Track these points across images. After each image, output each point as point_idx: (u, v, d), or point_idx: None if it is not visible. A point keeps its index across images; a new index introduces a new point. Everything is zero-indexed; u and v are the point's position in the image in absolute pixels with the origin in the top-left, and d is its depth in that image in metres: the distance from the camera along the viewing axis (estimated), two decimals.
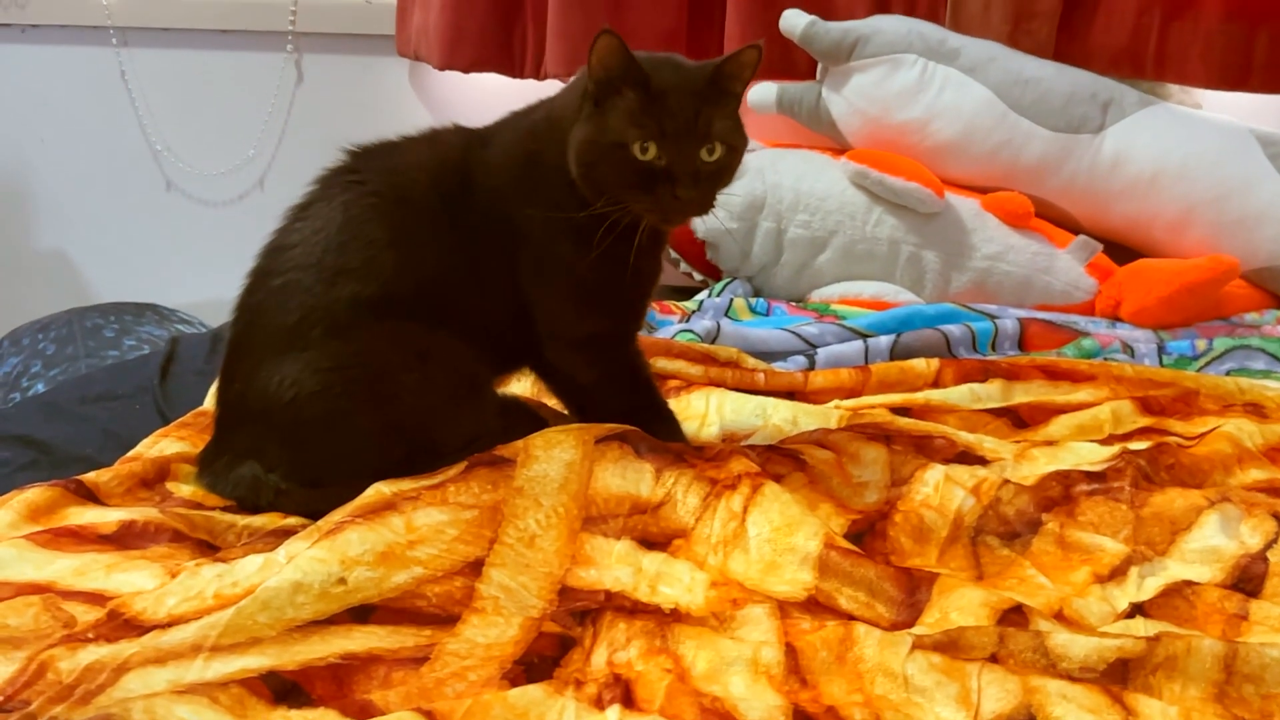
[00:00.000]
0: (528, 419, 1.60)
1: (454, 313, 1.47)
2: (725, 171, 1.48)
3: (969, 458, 1.55)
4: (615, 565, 1.30)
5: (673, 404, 1.75)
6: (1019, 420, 1.77)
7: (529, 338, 1.54)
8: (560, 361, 1.57)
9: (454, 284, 1.48)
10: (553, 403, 1.71)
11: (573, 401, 1.63)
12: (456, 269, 1.48)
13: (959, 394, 1.84)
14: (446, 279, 1.48)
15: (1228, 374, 2.06)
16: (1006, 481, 1.44)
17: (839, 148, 2.77)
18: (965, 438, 1.62)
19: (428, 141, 1.58)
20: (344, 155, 1.55)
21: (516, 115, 1.58)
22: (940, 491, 1.43)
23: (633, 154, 1.41)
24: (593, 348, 1.56)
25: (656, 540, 1.34)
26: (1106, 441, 1.66)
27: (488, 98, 3.04)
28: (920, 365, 1.95)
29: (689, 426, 1.68)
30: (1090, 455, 1.58)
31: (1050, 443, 1.66)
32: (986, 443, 1.62)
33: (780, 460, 1.49)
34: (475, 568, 1.26)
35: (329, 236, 1.46)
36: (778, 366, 2.04)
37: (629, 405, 1.55)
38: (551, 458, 1.39)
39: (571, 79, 1.55)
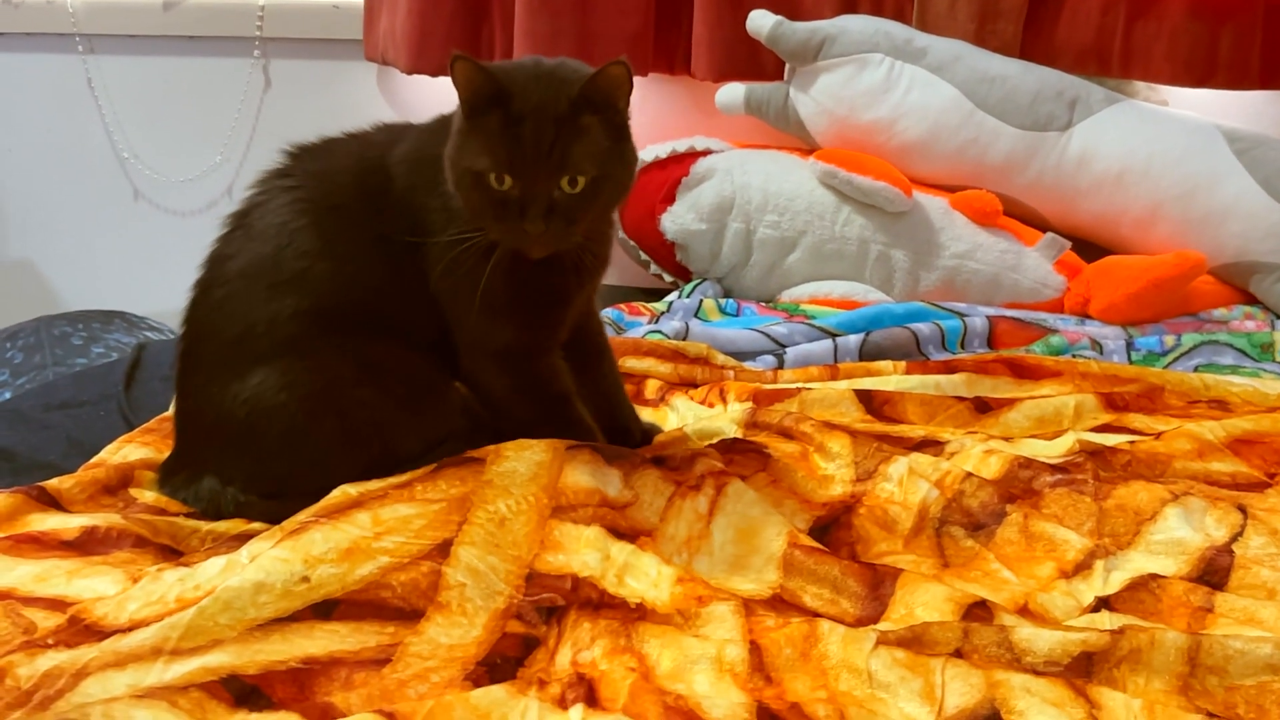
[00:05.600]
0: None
1: (395, 321, 1.46)
2: (592, 202, 1.40)
3: (930, 444, 1.55)
4: (584, 550, 1.29)
5: (650, 415, 1.74)
6: (982, 405, 1.78)
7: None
8: (474, 370, 1.52)
9: (392, 293, 1.46)
10: None
11: (488, 410, 1.55)
12: (385, 276, 1.45)
13: (924, 384, 1.84)
14: (382, 288, 1.45)
15: (1195, 369, 2.08)
16: (970, 474, 1.44)
17: (807, 148, 2.77)
18: (924, 430, 1.63)
19: (360, 139, 1.55)
20: (280, 157, 1.53)
21: (443, 114, 1.52)
22: (904, 486, 1.44)
23: (488, 182, 1.36)
24: (505, 359, 1.51)
25: (624, 534, 1.34)
26: (1064, 434, 1.67)
27: (448, 96, 3.02)
28: (886, 368, 1.95)
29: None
30: (1047, 450, 1.59)
31: (1007, 438, 1.66)
32: (946, 434, 1.63)
33: (744, 460, 1.49)
34: (443, 549, 1.25)
35: (265, 245, 1.45)
36: (747, 366, 2.04)
37: (539, 417, 1.51)
38: (522, 458, 1.39)
39: None
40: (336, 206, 1.47)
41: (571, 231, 1.39)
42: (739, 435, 1.61)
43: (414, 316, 1.47)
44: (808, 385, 1.86)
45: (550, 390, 1.54)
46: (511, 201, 1.36)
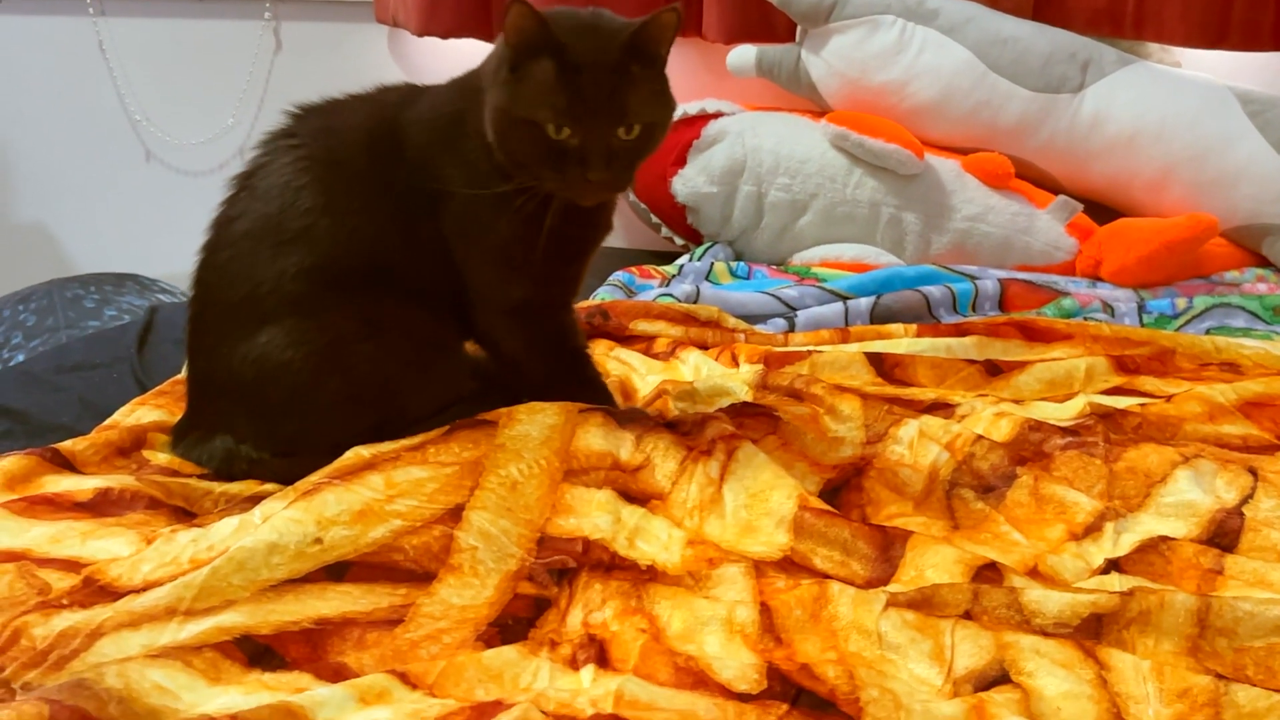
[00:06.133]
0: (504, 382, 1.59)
1: (402, 278, 1.46)
2: (645, 147, 1.42)
3: (940, 407, 1.56)
4: (595, 513, 1.30)
5: (660, 368, 1.75)
6: (993, 367, 1.78)
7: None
8: (488, 327, 1.53)
9: (397, 250, 1.46)
10: None
11: (503, 368, 1.56)
12: (394, 233, 1.45)
13: (934, 347, 1.83)
14: (388, 244, 1.45)
15: (1207, 332, 2.07)
16: (980, 437, 1.44)
17: (819, 110, 2.76)
18: (935, 392, 1.63)
19: (368, 99, 1.54)
20: (285, 117, 1.52)
21: (459, 75, 1.53)
22: (915, 448, 1.44)
23: (546, 133, 1.36)
24: (520, 315, 1.51)
25: (636, 497, 1.34)
26: (1075, 397, 1.67)
27: (466, 64, 3.02)
28: (898, 330, 1.95)
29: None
30: (1058, 413, 1.59)
31: (1018, 401, 1.66)
32: (956, 397, 1.63)
33: (755, 422, 1.49)
34: (455, 514, 1.26)
35: (269, 205, 1.44)
36: (758, 329, 2.04)
37: (553, 374, 1.53)
38: (534, 421, 1.39)
39: (498, 40, 1.47)
40: (341, 163, 1.46)
41: (628, 178, 1.42)
42: (749, 398, 1.61)
43: (422, 274, 1.47)
44: (818, 348, 1.86)
45: (565, 346, 1.56)
46: (571, 151, 1.37)
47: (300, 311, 1.42)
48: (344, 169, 1.46)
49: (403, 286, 1.45)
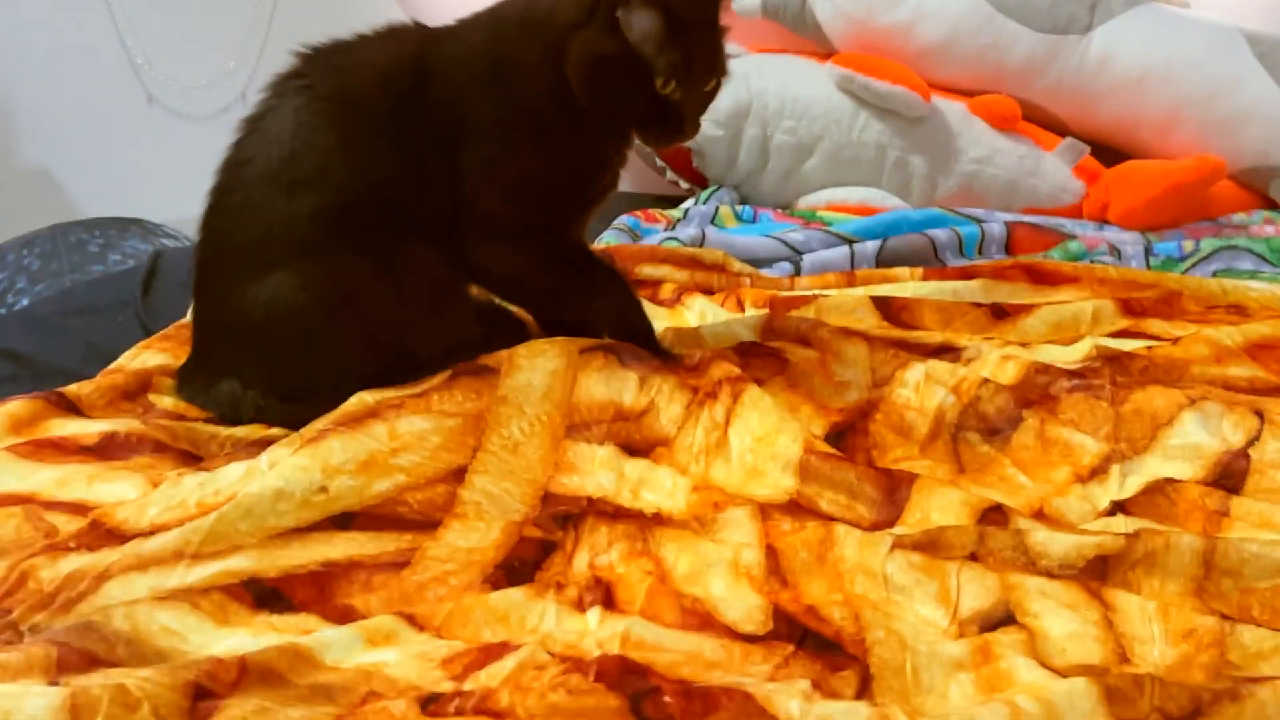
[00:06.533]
0: (509, 326, 1.59)
1: (417, 219, 1.45)
2: (714, 98, 1.47)
3: (947, 350, 1.55)
4: (598, 471, 1.30)
5: (665, 315, 1.75)
6: (999, 311, 1.77)
7: None
8: (487, 256, 1.50)
9: (412, 189, 1.45)
10: None
11: (507, 296, 1.58)
12: (412, 173, 1.44)
13: (940, 290, 1.83)
14: (403, 183, 1.44)
15: (1214, 275, 2.06)
16: (986, 380, 1.44)
17: (824, 52, 2.75)
18: (941, 335, 1.63)
19: (382, 39, 1.53)
20: (294, 58, 1.51)
21: (482, 15, 1.52)
22: (921, 391, 1.44)
23: (654, 85, 1.38)
24: (525, 237, 1.50)
25: (639, 447, 1.34)
26: (1081, 339, 1.67)
27: (469, 5, 3.00)
28: (904, 274, 1.94)
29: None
30: (1064, 356, 1.59)
31: (1024, 344, 1.66)
32: (963, 340, 1.62)
33: (762, 362, 1.49)
34: (458, 474, 1.26)
35: (281, 146, 1.43)
36: (764, 273, 2.03)
37: (561, 281, 1.53)
38: (535, 367, 1.38)
39: None
40: (356, 103, 1.45)
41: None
42: (755, 340, 1.60)
43: (435, 215, 1.46)
44: (824, 292, 1.85)
45: (577, 254, 1.56)
46: (671, 104, 1.40)
47: (312, 254, 1.41)
48: (359, 109, 1.45)
49: (415, 228, 1.44)
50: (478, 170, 1.46)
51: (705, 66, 1.41)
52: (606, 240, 2.18)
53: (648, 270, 1.96)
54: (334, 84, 1.46)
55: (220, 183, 1.48)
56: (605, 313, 1.53)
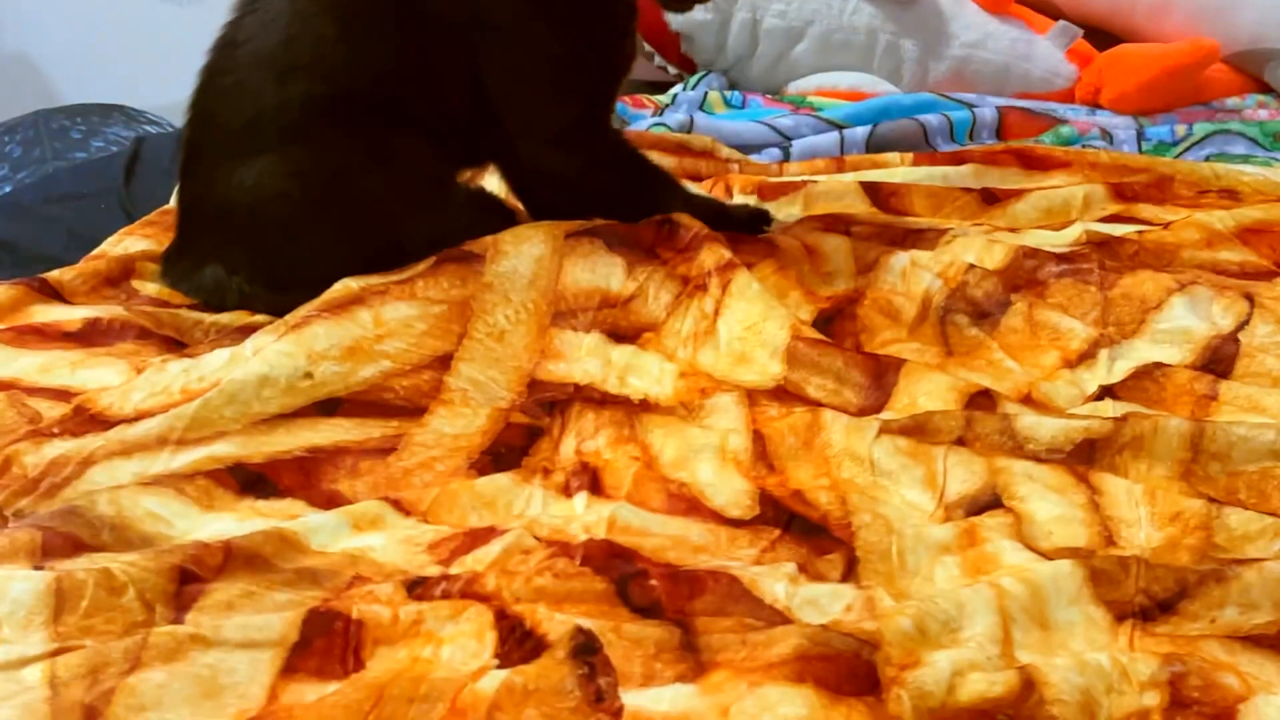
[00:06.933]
0: (497, 214, 1.58)
1: (412, 109, 1.43)
2: None
3: (932, 232, 1.54)
4: (584, 358, 1.29)
5: None
6: (990, 196, 1.76)
7: (494, 134, 1.49)
8: (539, 160, 1.52)
9: (410, 79, 1.43)
10: None
11: (569, 203, 1.52)
12: (412, 63, 1.42)
13: (931, 175, 1.82)
14: (402, 74, 1.42)
15: (1206, 159, 2.05)
16: (973, 265, 1.43)
17: None
18: (928, 220, 1.62)
19: None
20: None
21: None
22: (907, 277, 1.43)
23: None
24: (572, 137, 1.51)
25: (626, 334, 1.33)
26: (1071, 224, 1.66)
27: None
28: (894, 159, 1.93)
29: None
30: (1054, 240, 1.58)
31: (1014, 229, 1.65)
32: (950, 224, 1.61)
33: (751, 247, 1.48)
34: (444, 362, 1.25)
35: (277, 31, 1.41)
36: (753, 159, 2.02)
37: (623, 182, 1.54)
38: (521, 253, 1.37)
39: None
40: None
41: None
42: None
43: (433, 106, 1.44)
44: (813, 178, 1.84)
45: (625, 152, 1.57)
46: None
47: (302, 140, 1.39)
48: (360, 1, 1.43)
49: (408, 119, 1.42)
50: (510, 78, 1.45)
51: None
52: None
53: None
54: None
55: (211, 63, 1.46)
56: (671, 203, 1.52)
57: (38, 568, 0.93)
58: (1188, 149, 2.15)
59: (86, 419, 1.16)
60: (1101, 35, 2.58)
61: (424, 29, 1.42)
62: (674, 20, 2.57)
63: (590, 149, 1.53)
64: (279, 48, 1.41)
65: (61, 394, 1.23)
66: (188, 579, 0.93)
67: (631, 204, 1.48)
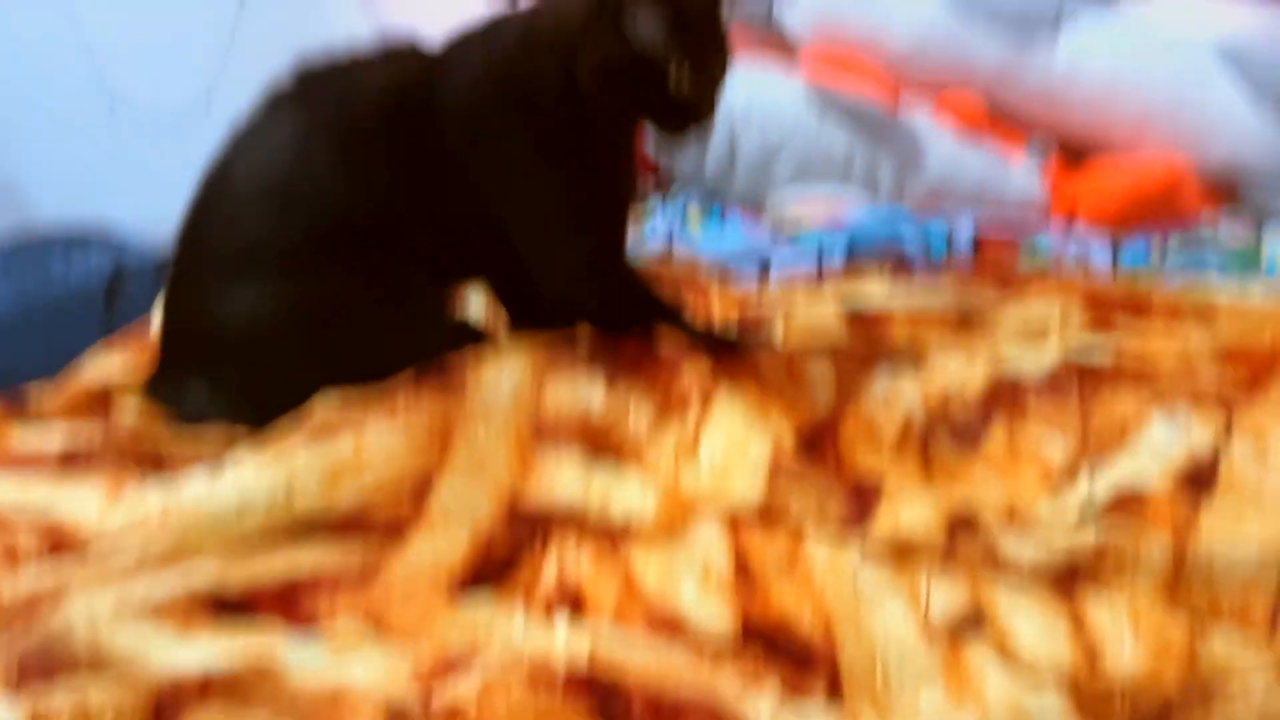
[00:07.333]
0: (478, 333, 1.58)
1: (408, 237, 1.44)
2: (723, 86, 1.47)
3: (913, 353, 1.55)
4: (566, 478, 1.28)
5: None
6: (967, 316, 1.77)
7: (494, 255, 1.52)
8: (563, 293, 1.53)
9: (408, 212, 1.45)
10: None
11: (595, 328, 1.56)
12: (412, 197, 1.44)
13: (908, 293, 1.83)
14: (401, 208, 1.44)
15: (1182, 278, 2.07)
16: (954, 385, 1.44)
17: (793, 56, 2.75)
18: (908, 343, 1.63)
19: (383, 62, 1.51)
20: (293, 73, 1.50)
21: (480, 36, 1.52)
22: (888, 397, 1.43)
23: (667, 82, 1.38)
24: (591, 269, 1.52)
25: (607, 454, 1.33)
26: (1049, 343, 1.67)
27: (437, 15, 2.99)
28: (872, 276, 1.95)
29: None
30: (1032, 359, 1.59)
31: (992, 348, 1.66)
32: (930, 346, 1.62)
33: (734, 366, 1.48)
34: (425, 483, 1.25)
35: (276, 163, 1.43)
36: (732, 275, 2.03)
37: (634, 320, 1.54)
38: (501, 372, 1.38)
39: None
40: (359, 130, 1.44)
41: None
42: None
43: (430, 232, 1.46)
44: (792, 310, 1.86)
45: (637, 289, 1.56)
46: (686, 98, 1.40)
47: (300, 272, 1.40)
48: (362, 136, 1.44)
49: (404, 246, 1.44)
50: (522, 217, 1.47)
51: (715, 58, 1.43)
52: None
53: None
54: (336, 109, 1.46)
55: (207, 186, 1.48)
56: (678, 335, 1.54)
57: (14, 696, 0.92)
58: (1163, 268, 2.17)
59: (63, 544, 1.15)
60: (1076, 154, 2.62)
61: (428, 162, 1.44)
62: (654, 136, 2.60)
63: (608, 280, 1.54)
64: (279, 177, 1.42)
65: (38, 519, 1.22)
66: (165, 709, 0.92)
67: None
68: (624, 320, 1.53)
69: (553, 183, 1.46)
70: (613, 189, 1.51)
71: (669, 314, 1.56)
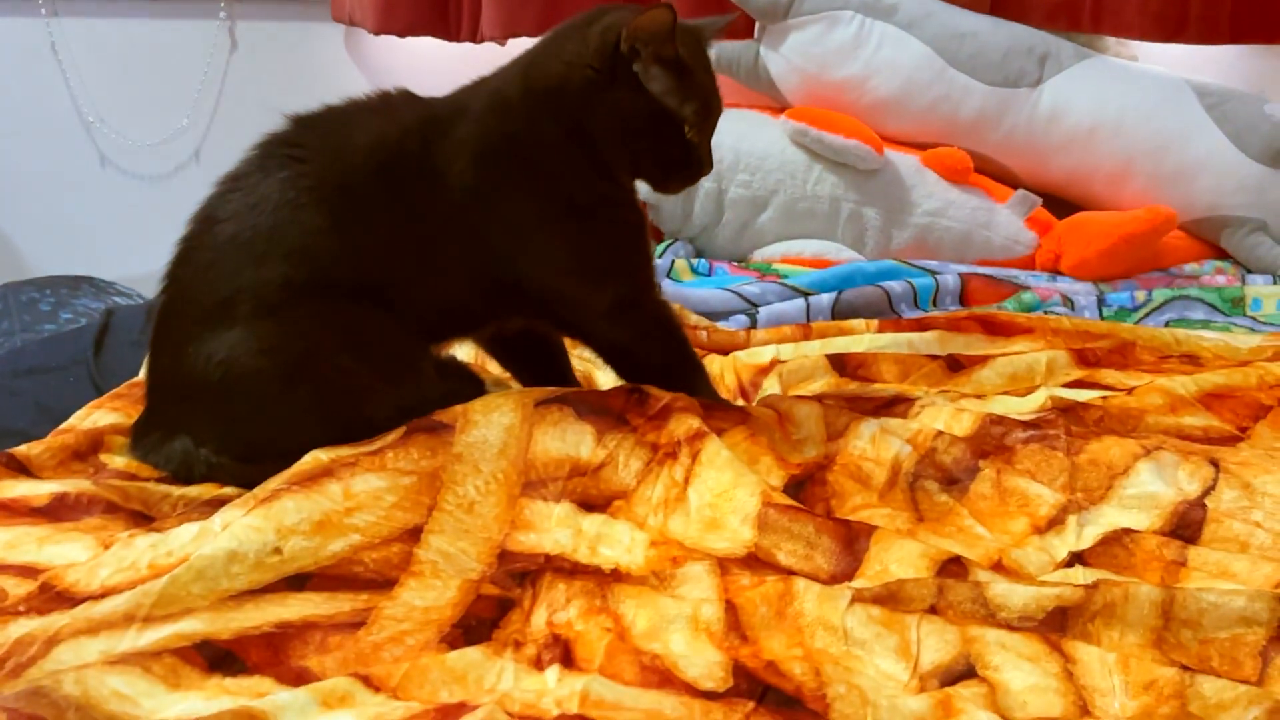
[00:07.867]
0: (468, 384, 1.58)
1: (394, 293, 1.44)
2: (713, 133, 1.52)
3: (901, 401, 1.56)
4: (555, 529, 1.29)
5: None
6: (954, 362, 1.78)
7: (494, 309, 1.53)
8: (592, 331, 1.57)
9: (400, 268, 1.44)
10: (494, 369, 1.70)
11: (626, 372, 1.59)
12: (404, 254, 1.44)
13: (896, 342, 1.84)
14: (391, 264, 1.44)
15: (1166, 324, 2.08)
16: (941, 432, 1.44)
17: (778, 106, 2.76)
18: (895, 388, 1.64)
19: (378, 116, 1.50)
20: (285, 124, 1.49)
21: (480, 90, 1.52)
22: (877, 443, 1.43)
23: (682, 133, 1.45)
24: (622, 311, 1.54)
25: (596, 502, 1.33)
26: (1036, 390, 1.68)
27: (424, 62, 3.01)
28: (859, 325, 1.95)
29: None
30: (1020, 407, 1.60)
31: (980, 396, 1.67)
32: (918, 392, 1.63)
33: (722, 414, 1.48)
34: (414, 534, 1.25)
35: (264, 215, 1.41)
36: (720, 326, 2.04)
37: (664, 360, 1.56)
38: (490, 422, 1.37)
39: (540, 44, 1.52)
40: (349, 186, 1.43)
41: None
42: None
43: (419, 291, 1.46)
44: (781, 349, 1.86)
45: (670, 329, 1.59)
46: (692, 147, 1.47)
47: (276, 318, 1.39)
48: (354, 193, 1.43)
49: (388, 299, 1.43)
50: (547, 272, 1.50)
51: (715, 109, 1.49)
52: None
53: None
54: (327, 164, 1.45)
55: (191, 236, 1.47)
56: (700, 389, 1.56)
57: None
58: (1148, 314, 2.18)
59: (53, 596, 1.15)
60: (1060, 203, 2.63)
61: (430, 222, 1.45)
62: (641, 190, 2.61)
63: (643, 313, 1.57)
64: (263, 231, 1.41)
65: (28, 570, 1.21)
66: None
67: (674, 379, 1.51)
68: (657, 360, 1.55)
69: (572, 234, 1.48)
70: (631, 228, 1.54)
71: (694, 368, 1.60)
